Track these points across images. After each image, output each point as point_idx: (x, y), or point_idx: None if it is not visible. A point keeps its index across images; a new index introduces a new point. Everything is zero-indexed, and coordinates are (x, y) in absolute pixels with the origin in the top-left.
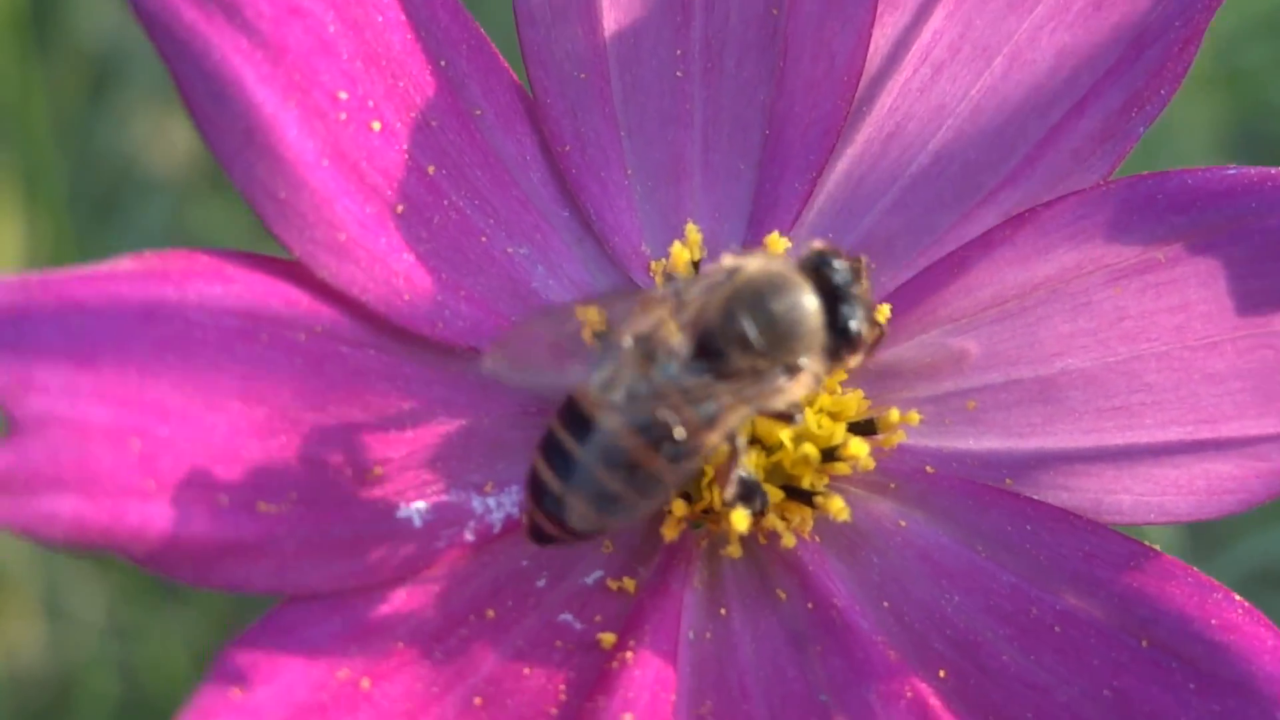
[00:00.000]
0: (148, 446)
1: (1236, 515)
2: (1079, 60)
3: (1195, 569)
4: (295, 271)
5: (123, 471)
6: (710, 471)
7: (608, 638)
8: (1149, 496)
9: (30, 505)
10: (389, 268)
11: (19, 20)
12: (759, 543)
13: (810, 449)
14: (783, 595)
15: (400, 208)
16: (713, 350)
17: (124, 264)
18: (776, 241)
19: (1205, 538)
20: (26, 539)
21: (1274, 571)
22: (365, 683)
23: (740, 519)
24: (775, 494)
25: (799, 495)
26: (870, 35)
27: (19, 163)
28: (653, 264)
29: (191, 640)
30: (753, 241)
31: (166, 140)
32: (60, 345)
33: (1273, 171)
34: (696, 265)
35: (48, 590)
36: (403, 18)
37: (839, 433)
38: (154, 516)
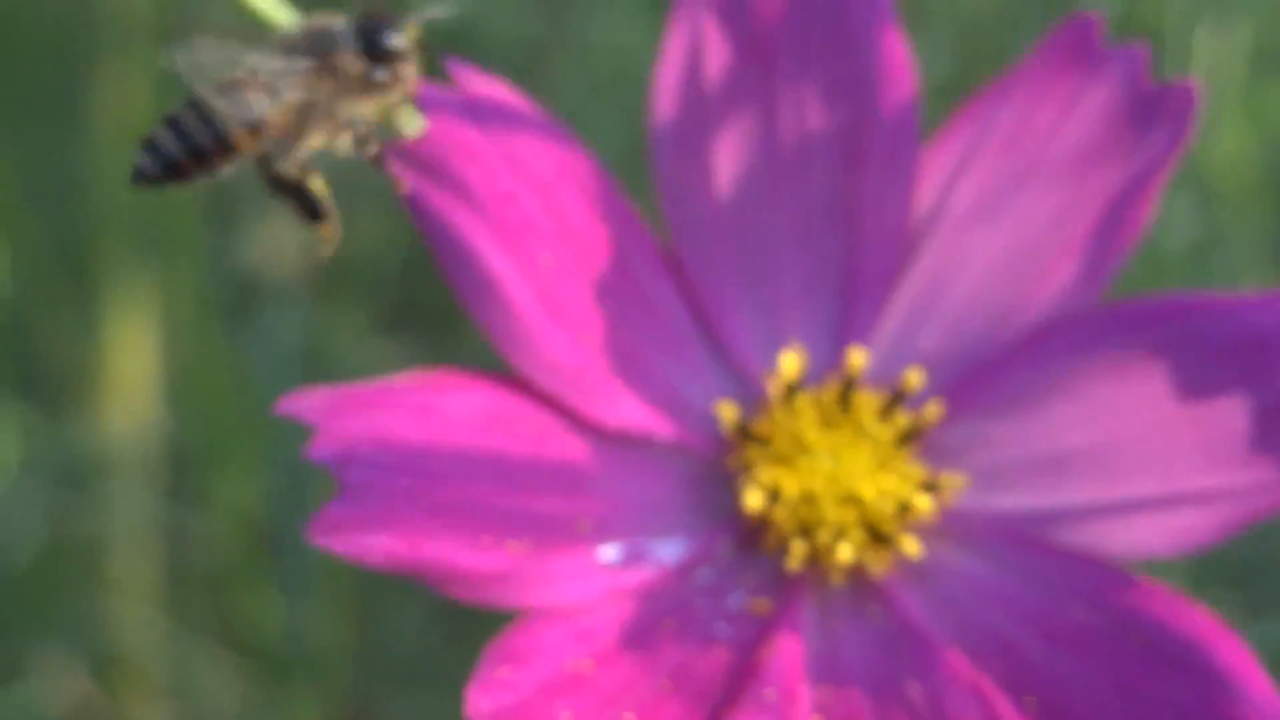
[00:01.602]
0: (433, 500)
1: None
2: (1067, 219)
3: (1169, 588)
4: (517, 383)
5: (420, 521)
6: (827, 521)
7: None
8: (1134, 539)
9: (357, 541)
10: (582, 379)
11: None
12: (855, 574)
13: (889, 504)
14: (872, 612)
15: (587, 337)
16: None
17: (400, 380)
18: (858, 354)
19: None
20: (357, 565)
21: None
22: (584, 669)
23: (845, 551)
24: (861, 537)
25: (880, 538)
26: (910, 203)
27: (160, 273)
28: (767, 375)
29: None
30: (835, 358)
31: (279, 251)
32: (365, 433)
33: (1215, 295)
34: (799, 378)
35: (175, 673)
36: (584, 201)
37: (910, 491)
38: (438, 551)
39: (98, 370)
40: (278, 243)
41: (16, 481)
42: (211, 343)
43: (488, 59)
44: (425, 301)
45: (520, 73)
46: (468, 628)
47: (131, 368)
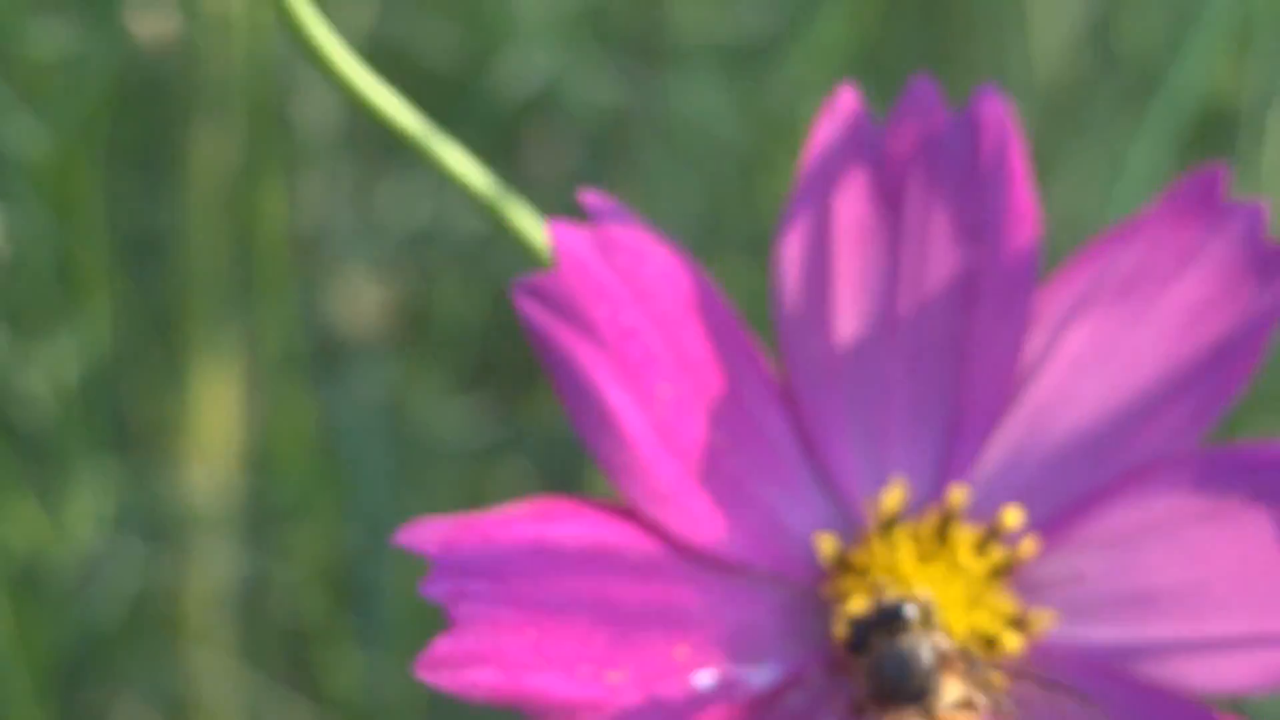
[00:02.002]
0: (537, 635)
1: None
2: (1177, 366)
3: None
4: (624, 511)
5: (523, 655)
6: None
7: None
8: (1219, 676)
9: (462, 676)
10: (692, 510)
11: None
12: None
13: (978, 640)
14: None
15: (698, 468)
16: None
17: (517, 509)
18: (959, 490)
19: None
20: (458, 699)
21: None
22: None
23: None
24: None
25: None
26: (1022, 344)
27: (246, 329)
28: (867, 502)
29: None
30: (935, 491)
31: (363, 306)
32: (481, 566)
33: None
34: (899, 511)
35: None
36: (703, 332)
37: (1000, 627)
38: (541, 684)
39: (184, 425)
40: (362, 298)
41: (109, 537)
42: (295, 398)
43: (571, 127)
44: (505, 360)
45: (602, 141)
46: None
47: (217, 422)
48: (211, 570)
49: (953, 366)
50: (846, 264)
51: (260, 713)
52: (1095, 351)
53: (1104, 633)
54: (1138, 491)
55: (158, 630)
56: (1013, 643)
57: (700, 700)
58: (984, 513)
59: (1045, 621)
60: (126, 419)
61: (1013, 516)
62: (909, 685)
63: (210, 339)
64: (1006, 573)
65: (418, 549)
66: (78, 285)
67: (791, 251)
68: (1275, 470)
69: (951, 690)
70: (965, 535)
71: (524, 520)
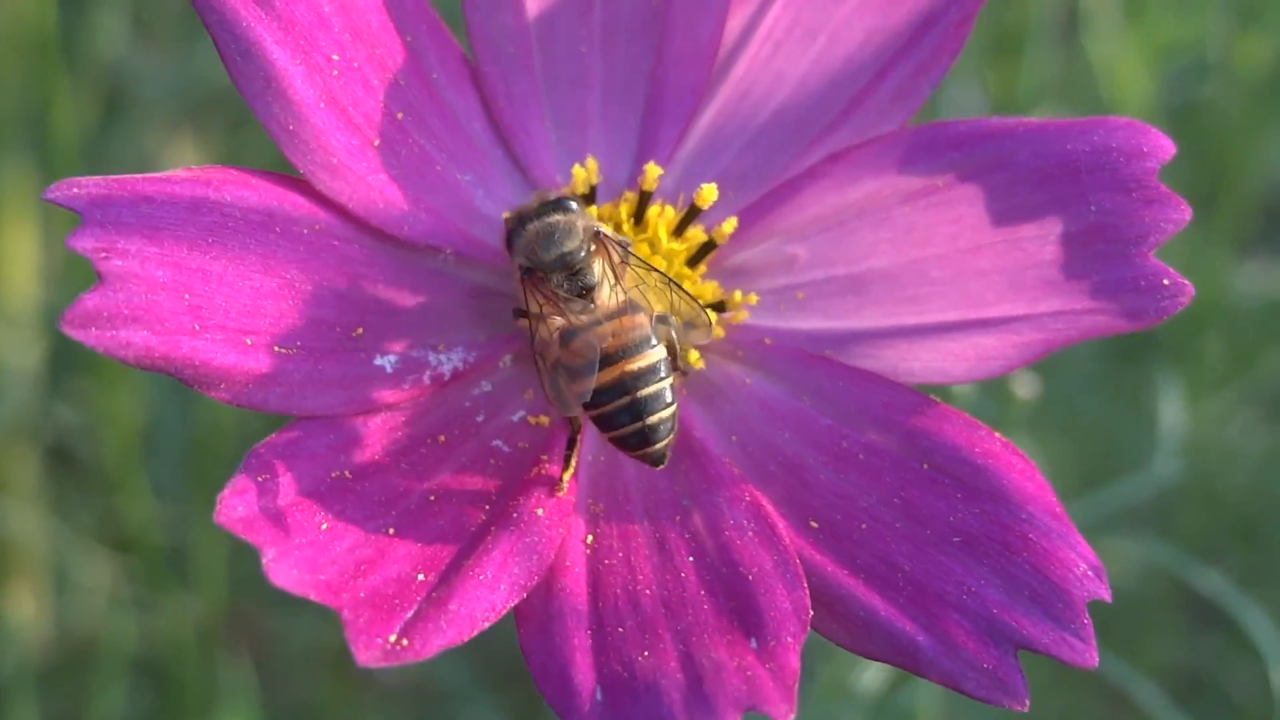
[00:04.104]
0: (195, 299)
1: None
2: (882, 39)
3: (965, 413)
4: (300, 185)
5: (178, 315)
6: None
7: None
8: (933, 363)
9: (111, 335)
10: (369, 185)
11: (45, 39)
12: None
13: (675, 319)
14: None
15: (377, 142)
16: None
17: (179, 172)
18: (653, 169)
19: None
20: (110, 359)
21: None
22: (349, 476)
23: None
24: None
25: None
26: (725, 20)
27: (39, 172)
28: (563, 189)
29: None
30: (636, 171)
31: (174, 153)
32: (135, 224)
33: (1024, 120)
34: (593, 188)
35: (57, 567)
36: (379, 3)
37: (696, 309)
38: (199, 349)
39: None
40: (171, 145)
41: None
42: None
43: None
44: None
45: None
46: None
47: (15, 267)
48: (15, 420)
49: (652, 46)
50: None
51: (66, 563)
52: (796, 27)
53: (814, 323)
54: (845, 173)
55: None
56: (711, 324)
57: (379, 381)
58: (689, 196)
59: (746, 303)
60: None
61: (708, 194)
62: (554, 251)
63: (8, 195)
64: (707, 255)
65: (66, 204)
66: None
67: None
68: (986, 145)
69: (601, 273)
70: (663, 215)
71: (185, 182)
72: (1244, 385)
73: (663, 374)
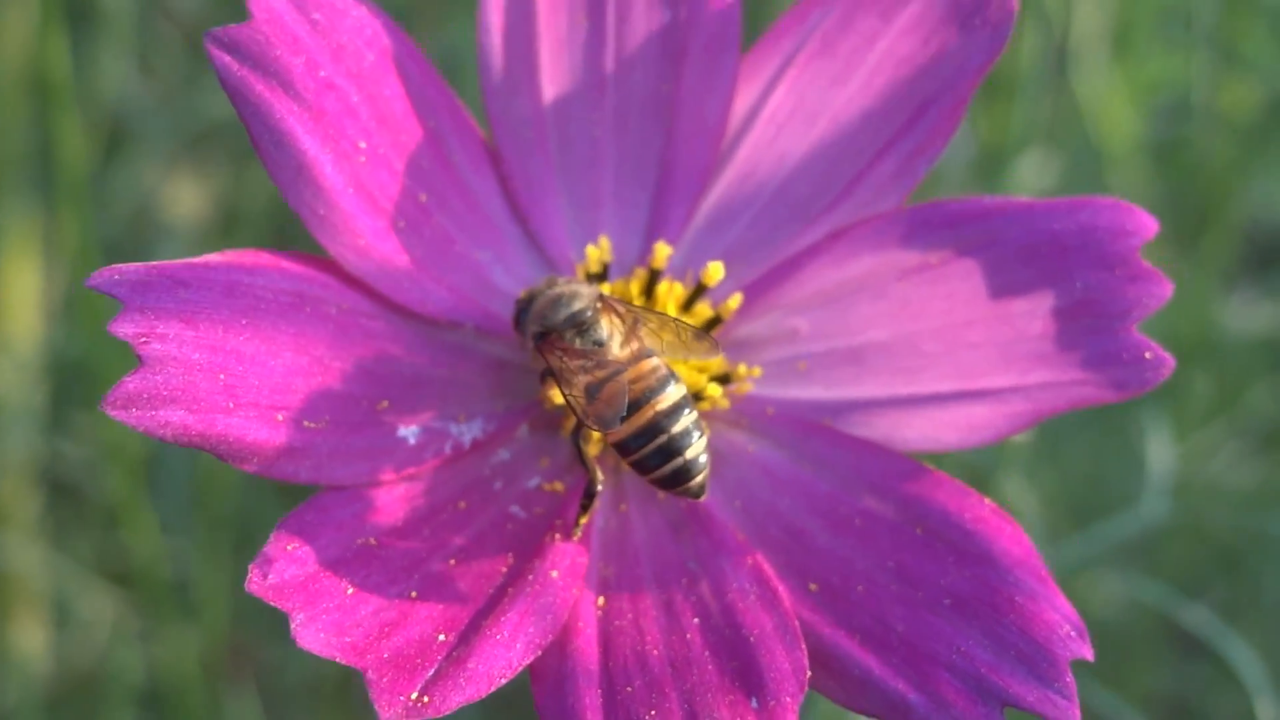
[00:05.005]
0: (230, 379)
1: None
2: (880, 122)
3: (957, 480)
4: (328, 265)
5: (213, 395)
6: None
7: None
8: (927, 431)
9: (151, 416)
10: (393, 265)
11: (56, 79)
12: None
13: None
14: (663, 495)
15: (401, 224)
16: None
17: (213, 257)
18: (663, 248)
19: None
20: (150, 438)
21: None
22: (374, 543)
23: None
24: None
25: None
26: (732, 105)
27: (43, 209)
28: (577, 266)
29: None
30: (647, 248)
31: (174, 191)
32: (173, 308)
33: (1014, 199)
34: (605, 265)
35: (60, 600)
36: (403, 91)
37: (703, 381)
38: (233, 427)
39: None
40: (171, 183)
41: None
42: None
43: None
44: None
45: None
46: None
47: (18, 303)
48: (18, 456)
49: (662, 129)
50: (548, 23)
51: (66, 595)
52: (800, 109)
53: (815, 393)
54: (845, 250)
55: None
56: (716, 392)
57: (403, 452)
58: (696, 273)
59: (751, 375)
60: None
61: (714, 272)
62: (564, 312)
63: (12, 232)
64: (714, 329)
65: (108, 291)
66: None
67: (494, 17)
68: (978, 224)
69: (610, 328)
70: (672, 292)
71: (219, 267)
72: (1231, 419)
73: (689, 408)
